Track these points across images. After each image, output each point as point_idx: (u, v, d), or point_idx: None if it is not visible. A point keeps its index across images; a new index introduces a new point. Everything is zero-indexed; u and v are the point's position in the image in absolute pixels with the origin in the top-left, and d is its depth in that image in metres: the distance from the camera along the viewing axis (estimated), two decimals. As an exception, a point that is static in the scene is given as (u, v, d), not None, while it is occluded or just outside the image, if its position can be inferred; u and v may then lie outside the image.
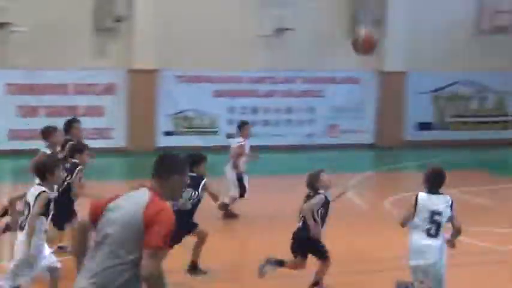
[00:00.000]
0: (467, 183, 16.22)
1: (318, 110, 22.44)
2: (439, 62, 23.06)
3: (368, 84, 22.77)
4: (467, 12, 23.54)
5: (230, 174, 13.12)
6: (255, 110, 21.73)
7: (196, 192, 9.55)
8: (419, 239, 8.05)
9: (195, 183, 9.37)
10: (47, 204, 7.72)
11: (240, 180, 13.09)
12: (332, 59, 21.96)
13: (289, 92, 22.17)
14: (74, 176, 9.85)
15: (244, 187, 13.13)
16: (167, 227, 5.12)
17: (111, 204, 5.29)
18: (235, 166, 13.08)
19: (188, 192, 9.37)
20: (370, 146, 22.72)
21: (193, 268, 9.75)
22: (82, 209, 8.76)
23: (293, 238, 9.27)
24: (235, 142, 13.36)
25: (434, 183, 8.18)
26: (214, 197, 10.05)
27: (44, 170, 7.84)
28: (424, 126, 23.52)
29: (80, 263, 5.39)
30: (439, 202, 8.08)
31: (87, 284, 5.19)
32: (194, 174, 9.29)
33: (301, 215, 9.21)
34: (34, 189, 7.81)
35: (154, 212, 5.14)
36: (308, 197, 9.27)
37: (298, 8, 21.37)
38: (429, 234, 8.03)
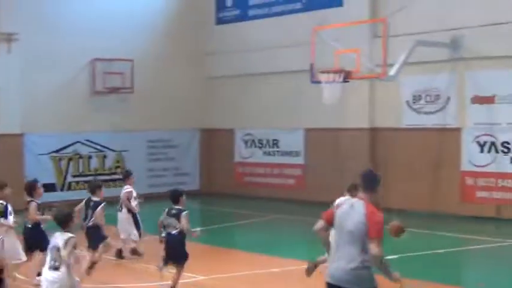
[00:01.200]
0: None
1: None
2: (58, 123, 23.14)
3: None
4: (81, 73, 23.97)
5: (125, 218, 14.88)
6: None
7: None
8: None
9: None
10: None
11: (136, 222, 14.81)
12: None
13: None
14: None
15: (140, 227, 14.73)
16: (380, 223, 7.24)
17: (340, 211, 7.54)
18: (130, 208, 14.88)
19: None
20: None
21: None
22: None
23: None
24: (124, 189, 15.36)
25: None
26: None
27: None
28: (45, 187, 23.05)
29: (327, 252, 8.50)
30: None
31: (348, 267, 7.28)
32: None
33: None
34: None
35: (370, 214, 7.26)
36: None
37: None
38: None
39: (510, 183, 19.20)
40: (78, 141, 23.88)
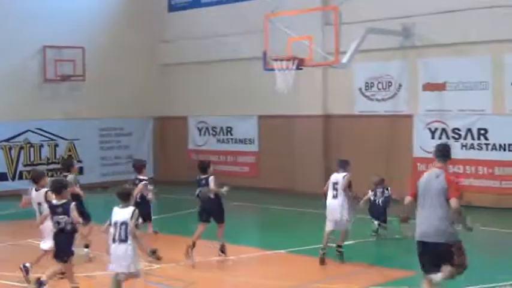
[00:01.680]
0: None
1: None
2: (8, 112, 22.79)
3: None
4: (32, 61, 23.62)
5: None
6: None
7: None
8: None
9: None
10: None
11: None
12: None
13: None
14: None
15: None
16: (458, 185, 9.41)
17: (423, 181, 9.45)
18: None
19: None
20: None
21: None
22: None
23: None
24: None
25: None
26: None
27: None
28: (-3, 177, 22.86)
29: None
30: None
31: (436, 224, 9.18)
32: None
33: None
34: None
35: (450, 179, 9.32)
36: None
37: None
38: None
39: (461, 169, 19.52)
40: (29, 130, 23.56)
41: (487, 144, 19.23)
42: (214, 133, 25.46)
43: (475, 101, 19.36)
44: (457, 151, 19.57)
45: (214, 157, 24.98)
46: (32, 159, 23.65)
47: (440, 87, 19.96)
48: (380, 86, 21.23)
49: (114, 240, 9.72)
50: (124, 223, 9.70)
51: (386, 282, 11.48)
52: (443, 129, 19.89)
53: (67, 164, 14.79)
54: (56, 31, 23.74)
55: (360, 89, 21.61)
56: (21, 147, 23.46)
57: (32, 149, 23.69)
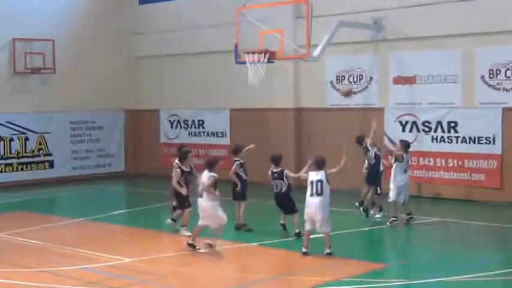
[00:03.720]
0: (19, 225, 16.02)
1: None
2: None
3: None
4: (1, 53, 23.39)
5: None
6: None
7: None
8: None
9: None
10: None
11: None
12: None
13: None
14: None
15: None
16: None
17: None
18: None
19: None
20: None
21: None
22: None
23: None
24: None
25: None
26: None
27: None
28: (-35, 171, 22.62)
29: None
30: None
31: None
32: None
33: None
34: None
35: None
36: None
37: None
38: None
39: (431, 162, 19.68)
40: (-2, 123, 23.34)
41: (457, 137, 19.39)
42: (186, 126, 25.39)
43: (445, 94, 19.50)
44: (427, 144, 19.75)
45: (186, 150, 24.91)
46: (1, 152, 23.41)
47: (410, 80, 20.09)
48: (351, 79, 21.31)
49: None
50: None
51: (355, 275, 11.51)
52: (414, 122, 20.02)
53: None
54: (26, 24, 23.51)
55: (331, 82, 21.67)
56: (-9, 141, 23.25)
57: (1, 143, 23.45)
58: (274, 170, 14.54)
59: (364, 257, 13.03)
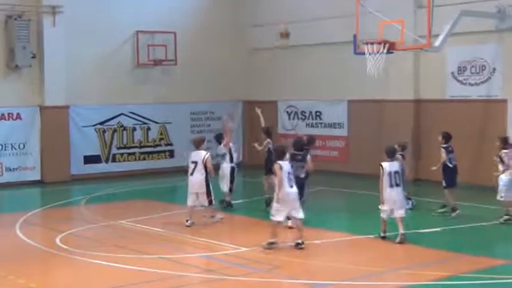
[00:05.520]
0: (140, 213, 16.51)
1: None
2: (102, 95, 23.41)
3: (31, 120, 22.16)
4: (125, 46, 24.12)
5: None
6: None
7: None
8: None
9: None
10: None
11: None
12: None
13: None
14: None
15: None
16: None
17: None
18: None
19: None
20: (37, 183, 22.08)
21: None
22: None
23: None
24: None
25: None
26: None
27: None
28: (90, 159, 23.46)
29: None
30: None
31: None
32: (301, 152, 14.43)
33: None
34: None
35: None
36: None
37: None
38: None
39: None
40: (122, 113, 24.07)
41: None
42: (303, 117, 25.41)
43: None
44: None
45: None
46: (125, 142, 24.18)
47: (536, 71, 19.32)
48: (473, 70, 20.71)
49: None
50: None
51: (474, 270, 11.22)
52: (539, 115, 19.26)
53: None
54: (149, 16, 24.17)
55: (452, 73, 21.13)
56: (115, 131, 24.00)
57: (125, 132, 24.21)
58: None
59: (482, 252, 12.64)
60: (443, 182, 15.93)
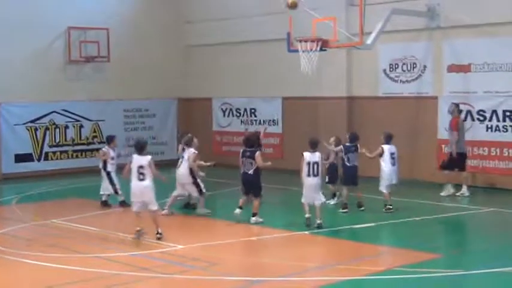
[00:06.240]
0: (74, 212, 16.29)
1: None
2: (33, 93, 23.00)
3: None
4: (56, 42, 23.75)
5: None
6: None
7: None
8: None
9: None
10: None
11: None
12: None
13: None
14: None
15: None
16: None
17: None
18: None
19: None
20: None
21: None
22: None
23: None
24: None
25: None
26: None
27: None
28: (22, 157, 23.04)
29: None
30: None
31: None
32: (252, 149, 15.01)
33: None
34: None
35: None
36: None
37: None
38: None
39: (486, 151, 19.38)
40: (54, 111, 23.69)
41: (512, 126, 19.08)
42: (238, 114, 25.46)
43: (501, 82, 19.16)
44: (481, 133, 19.45)
45: (239, 138, 24.98)
46: (57, 140, 23.82)
47: (465, 68, 19.79)
48: (404, 67, 21.09)
49: None
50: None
51: (408, 264, 11.43)
52: (469, 111, 19.71)
53: None
54: (81, 12, 23.85)
55: (384, 71, 21.48)
56: (47, 128, 23.62)
57: (57, 130, 23.85)
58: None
59: (417, 247, 12.90)
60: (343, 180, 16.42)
